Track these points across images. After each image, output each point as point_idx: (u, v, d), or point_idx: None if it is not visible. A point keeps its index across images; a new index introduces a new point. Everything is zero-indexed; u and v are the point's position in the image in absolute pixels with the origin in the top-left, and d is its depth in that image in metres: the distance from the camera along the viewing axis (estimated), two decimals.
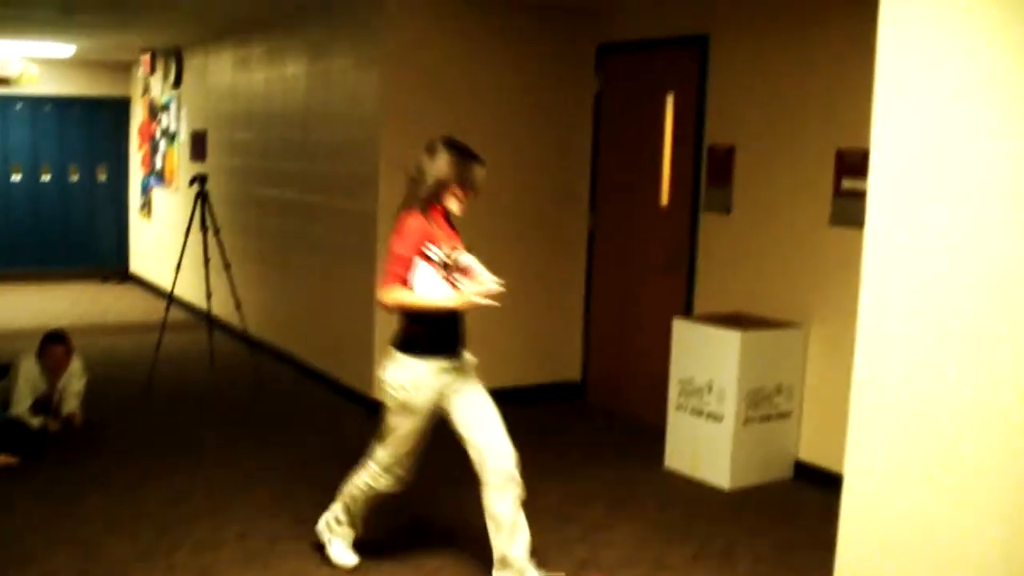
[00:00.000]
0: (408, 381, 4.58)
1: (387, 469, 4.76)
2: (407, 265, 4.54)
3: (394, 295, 4.57)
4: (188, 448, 6.76)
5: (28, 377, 6.89)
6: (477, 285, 4.55)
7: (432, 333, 4.65)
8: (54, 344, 7.11)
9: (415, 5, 7.45)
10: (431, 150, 4.63)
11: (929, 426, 3.53)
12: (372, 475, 4.79)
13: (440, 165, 4.59)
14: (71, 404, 7.08)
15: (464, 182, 4.64)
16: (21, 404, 6.80)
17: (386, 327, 7.49)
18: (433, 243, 4.55)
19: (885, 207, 3.63)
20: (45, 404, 6.96)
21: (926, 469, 3.57)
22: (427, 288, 4.55)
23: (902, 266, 3.57)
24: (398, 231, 4.59)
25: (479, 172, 4.67)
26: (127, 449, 6.70)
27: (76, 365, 7.18)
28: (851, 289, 4.22)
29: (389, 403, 4.64)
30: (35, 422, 6.77)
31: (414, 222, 4.56)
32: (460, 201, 4.70)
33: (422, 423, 4.66)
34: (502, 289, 4.55)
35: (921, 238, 3.49)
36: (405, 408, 4.59)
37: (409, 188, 4.69)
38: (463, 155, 4.63)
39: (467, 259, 4.64)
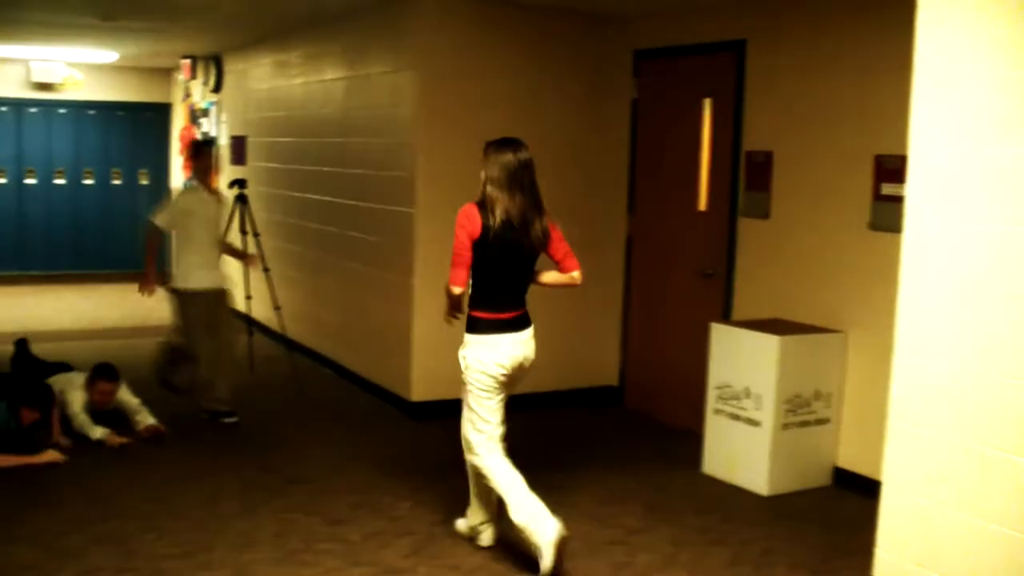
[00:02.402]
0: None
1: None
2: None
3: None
4: (225, 448, 6.81)
5: (77, 404, 6.97)
6: None
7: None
8: (105, 381, 7.12)
9: (452, 11, 7.48)
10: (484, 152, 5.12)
11: (969, 433, 3.51)
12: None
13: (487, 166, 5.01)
14: (146, 418, 7.07)
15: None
16: (80, 417, 6.89)
17: (425, 329, 7.56)
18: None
19: (924, 212, 3.61)
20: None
21: (965, 477, 3.54)
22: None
23: (941, 272, 3.55)
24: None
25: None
26: (165, 449, 6.76)
27: (122, 387, 7.25)
28: (890, 295, 4.19)
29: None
30: (98, 433, 6.81)
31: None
32: None
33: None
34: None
35: (960, 243, 3.46)
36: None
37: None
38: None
39: None
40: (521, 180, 5.04)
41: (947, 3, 3.45)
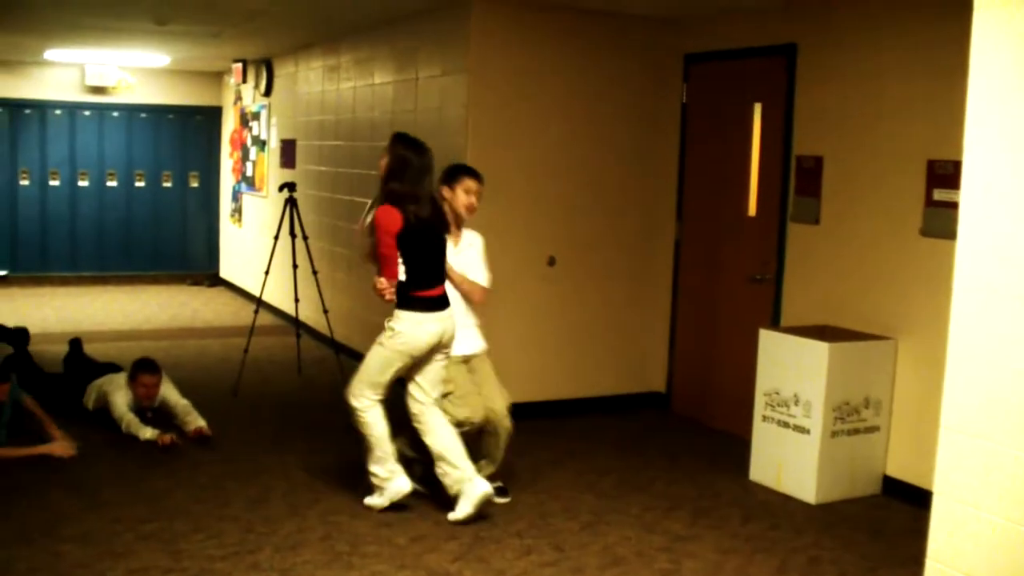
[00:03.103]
0: None
1: None
2: None
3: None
4: (273, 450, 6.85)
5: (122, 405, 7.05)
6: None
7: None
8: (146, 374, 7.18)
9: (501, 14, 7.49)
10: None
11: (1021, 444, 3.46)
12: None
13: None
14: (196, 420, 7.10)
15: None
16: (127, 417, 6.97)
17: None
18: None
19: (978, 218, 3.56)
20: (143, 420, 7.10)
21: (1017, 488, 3.49)
22: None
23: (994, 279, 3.50)
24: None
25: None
26: (213, 450, 6.81)
27: (167, 384, 7.32)
28: (942, 302, 4.15)
29: None
30: (148, 434, 6.85)
31: None
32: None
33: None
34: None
35: (1015, 250, 3.42)
36: None
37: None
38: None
39: None
40: (424, 173, 5.65)
41: (1004, 5, 3.40)
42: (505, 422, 5.77)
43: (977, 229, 3.59)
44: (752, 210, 7.38)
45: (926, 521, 3.79)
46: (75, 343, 8.45)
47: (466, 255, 5.95)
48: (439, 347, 5.62)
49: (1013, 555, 3.52)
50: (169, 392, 7.25)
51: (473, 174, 5.98)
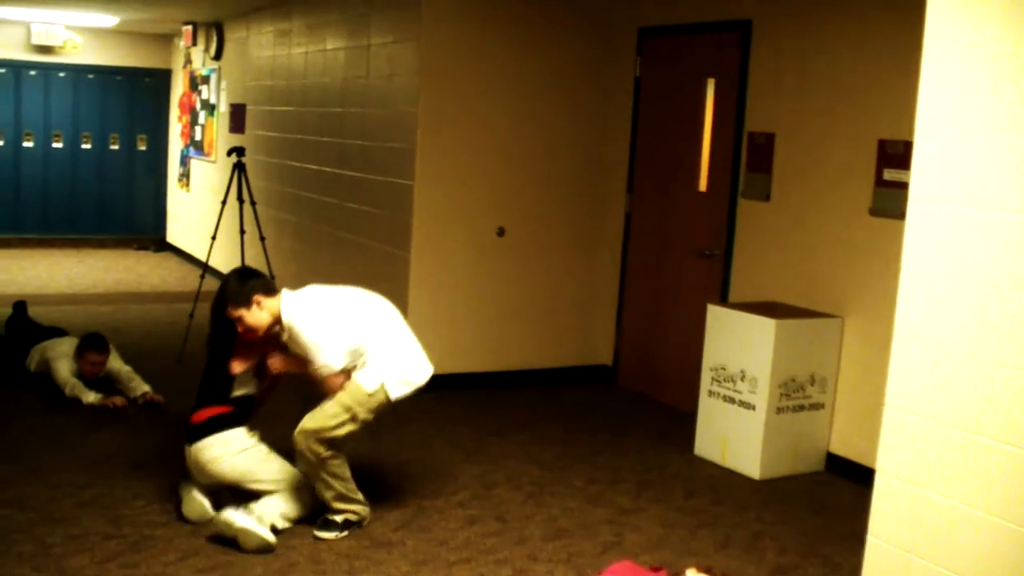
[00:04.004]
0: None
1: None
2: None
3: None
4: None
5: (65, 370, 6.96)
6: None
7: None
8: (93, 352, 7.07)
9: None
10: None
11: (965, 423, 3.48)
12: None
13: None
14: (140, 386, 7.05)
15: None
16: (70, 382, 6.89)
17: (420, 304, 7.53)
18: None
19: (927, 198, 3.57)
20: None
21: (959, 466, 3.52)
22: None
23: (942, 259, 3.52)
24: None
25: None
26: (158, 416, 6.74)
27: (112, 354, 7.22)
28: (890, 281, 4.17)
29: None
30: (91, 397, 6.81)
31: None
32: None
33: None
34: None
35: (963, 231, 3.43)
36: None
37: None
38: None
39: None
40: None
41: None
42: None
43: (925, 209, 3.60)
44: (703, 185, 7.38)
45: (868, 498, 3.81)
46: (19, 305, 8.31)
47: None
48: None
49: (953, 533, 3.56)
50: (113, 360, 7.16)
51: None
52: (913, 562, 3.70)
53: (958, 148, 3.44)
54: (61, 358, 7.03)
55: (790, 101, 6.65)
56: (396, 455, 6.21)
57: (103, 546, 4.70)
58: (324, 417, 4.89)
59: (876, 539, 3.87)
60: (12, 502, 5.14)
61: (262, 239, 8.65)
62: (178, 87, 14.38)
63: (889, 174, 5.93)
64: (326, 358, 4.92)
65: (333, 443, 4.90)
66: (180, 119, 14.18)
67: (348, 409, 4.91)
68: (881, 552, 3.84)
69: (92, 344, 7.08)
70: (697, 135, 7.40)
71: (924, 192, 3.58)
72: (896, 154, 5.85)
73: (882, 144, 5.99)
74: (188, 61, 13.68)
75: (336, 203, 8.90)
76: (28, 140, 14.17)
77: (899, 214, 3.86)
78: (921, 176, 3.58)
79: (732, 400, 6.27)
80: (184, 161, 13.93)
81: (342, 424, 4.89)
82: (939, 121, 3.52)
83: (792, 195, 6.65)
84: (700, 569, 4.25)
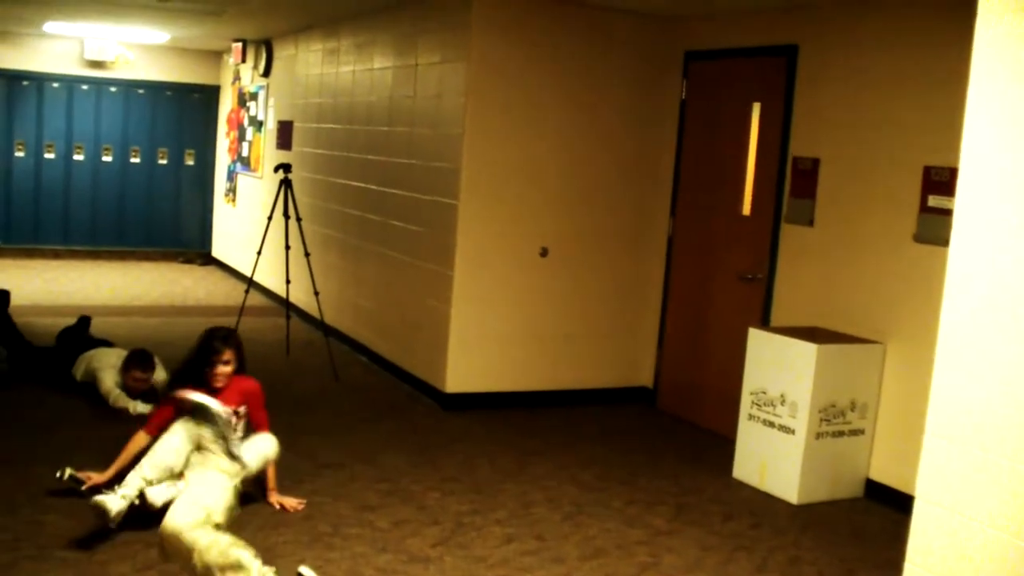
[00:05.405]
0: None
1: None
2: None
3: None
4: None
5: (109, 381, 7.07)
6: None
7: None
8: (138, 370, 7.16)
9: (503, 4, 7.48)
10: None
11: (1006, 452, 3.47)
12: None
13: None
14: None
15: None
16: (114, 392, 7.01)
17: (462, 322, 7.58)
18: None
19: (971, 226, 3.57)
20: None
21: (1000, 496, 3.51)
22: None
23: (986, 287, 3.51)
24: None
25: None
26: None
27: (158, 367, 7.31)
28: (932, 308, 4.16)
29: None
30: (141, 407, 6.91)
31: None
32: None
33: None
34: None
35: (1008, 260, 3.43)
36: None
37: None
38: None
39: None
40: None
41: (1007, 12, 3.41)
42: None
43: (970, 237, 3.60)
44: (747, 209, 7.39)
45: (906, 525, 3.80)
46: (83, 320, 8.41)
47: None
48: None
49: (994, 562, 3.54)
50: (159, 373, 7.25)
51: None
52: None
53: (1003, 175, 3.44)
54: (107, 369, 7.13)
55: (835, 126, 6.65)
56: (436, 472, 6.24)
57: (145, 554, 4.76)
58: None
59: (914, 566, 3.85)
60: (57, 508, 5.22)
61: (307, 255, 8.74)
62: (226, 103, 14.55)
63: (934, 200, 5.92)
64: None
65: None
66: (228, 135, 14.33)
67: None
68: None
69: (138, 361, 7.17)
70: (741, 159, 7.41)
71: (968, 218, 3.58)
72: (941, 181, 5.83)
73: (927, 171, 5.97)
74: (237, 78, 13.84)
75: (381, 220, 8.97)
76: (79, 153, 14.37)
77: (943, 241, 3.86)
78: (965, 203, 3.58)
79: (772, 424, 6.26)
80: (231, 176, 14.07)
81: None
82: (984, 147, 3.52)
83: (835, 220, 6.64)
84: None
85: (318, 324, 9.23)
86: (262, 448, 5.34)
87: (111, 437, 6.45)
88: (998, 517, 3.52)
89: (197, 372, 5.48)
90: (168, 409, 5.39)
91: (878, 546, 5.48)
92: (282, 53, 11.94)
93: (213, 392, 5.39)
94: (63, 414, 6.91)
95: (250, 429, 5.57)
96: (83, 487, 5.19)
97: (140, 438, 5.38)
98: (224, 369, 5.50)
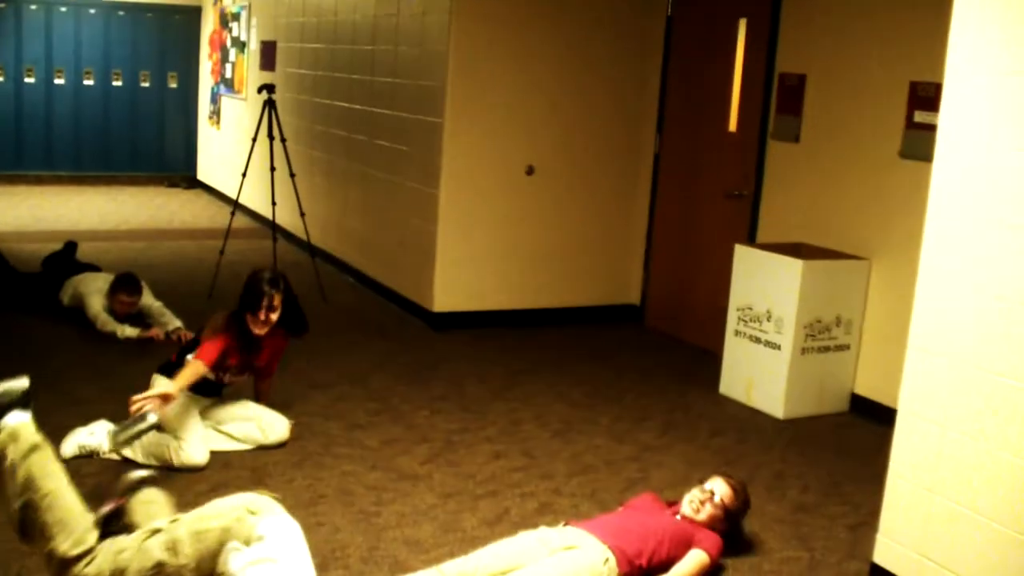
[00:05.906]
0: None
1: None
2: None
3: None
4: None
5: (97, 305, 7.07)
6: None
7: None
8: (124, 293, 7.16)
9: None
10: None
11: (987, 364, 3.51)
12: None
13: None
14: (171, 321, 7.16)
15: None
16: (101, 316, 7.01)
17: (449, 241, 7.58)
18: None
19: (955, 141, 3.57)
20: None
21: (980, 407, 3.55)
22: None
23: (969, 203, 3.52)
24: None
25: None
26: None
27: (144, 291, 7.31)
28: (916, 224, 4.17)
29: None
30: (128, 331, 6.95)
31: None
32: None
33: None
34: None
35: (991, 175, 3.43)
36: None
37: None
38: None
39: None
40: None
41: None
42: None
43: (953, 152, 3.60)
44: (733, 126, 7.36)
45: (891, 439, 3.85)
46: (70, 245, 8.38)
47: None
48: None
49: (974, 472, 3.59)
50: (145, 296, 7.25)
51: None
52: (933, 500, 3.74)
53: (985, 91, 3.44)
54: (94, 294, 7.13)
55: (822, 43, 6.60)
56: (425, 391, 6.28)
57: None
58: None
59: (896, 478, 3.91)
60: (55, 432, 5.23)
61: (292, 176, 8.70)
62: (208, 24, 14.37)
63: (920, 116, 5.90)
64: None
65: None
66: (210, 56, 14.18)
67: None
68: (901, 489, 3.88)
69: (124, 284, 7.17)
70: (728, 75, 7.36)
71: (952, 134, 3.58)
72: (927, 96, 5.81)
73: (913, 86, 5.95)
74: None
75: (366, 140, 8.93)
76: (59, 77, 14.21)
77: (929, 157, 3.85)
78: (949, 118, 3.58)
79: (758, 340, 6.30)
80: (215, 98, 13.95)
81: None
82: (968, 63, 3.51)
83: (821, 137, 6.62)
84: (725, 479, 4.36)
85: (304, 246, 9.21)
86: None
87: (105, 362, 6.50)
88: (978, 427, 3.57)
89: (243, 316, 5.14)
90: (223, 339, 5.08)
91: (863, 460, 5.55)
92: None
93: (253, 341, 5.19)
94: (53, 340, 6.92)
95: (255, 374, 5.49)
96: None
97: (198, 367, 4.99)
98: (272, 316, 5.15)
